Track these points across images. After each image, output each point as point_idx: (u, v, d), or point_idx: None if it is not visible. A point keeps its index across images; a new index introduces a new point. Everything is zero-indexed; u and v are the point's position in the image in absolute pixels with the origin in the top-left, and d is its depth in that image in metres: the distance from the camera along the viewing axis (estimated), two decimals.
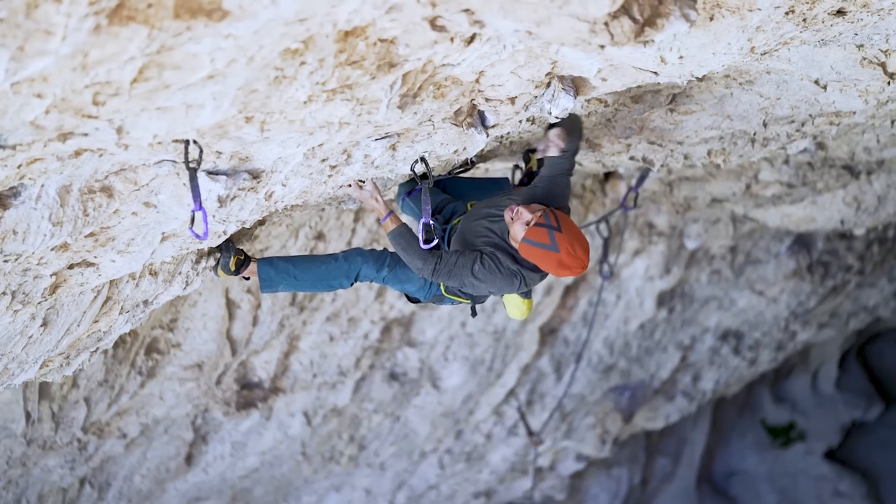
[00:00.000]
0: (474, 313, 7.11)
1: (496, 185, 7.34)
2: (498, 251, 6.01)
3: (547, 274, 6.12)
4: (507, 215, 5.88)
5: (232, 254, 6.61)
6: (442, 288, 6.61)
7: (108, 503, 12.49)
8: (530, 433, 16.93)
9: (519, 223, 5.79)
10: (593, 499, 23.37)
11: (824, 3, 4.66)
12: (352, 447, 15.84)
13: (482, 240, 6.12)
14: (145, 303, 6.64)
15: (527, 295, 6.82)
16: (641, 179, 10.49)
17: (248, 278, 6.78)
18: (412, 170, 5.83)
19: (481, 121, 5.50)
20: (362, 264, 6.58)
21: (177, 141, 4.09)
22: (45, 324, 5.75)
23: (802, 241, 17.88)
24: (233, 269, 6.63)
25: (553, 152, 6.20)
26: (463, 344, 15.01)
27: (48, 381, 8.85)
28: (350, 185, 6.25)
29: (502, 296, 6.77)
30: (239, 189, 4.93)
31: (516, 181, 6.97)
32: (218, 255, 6.66)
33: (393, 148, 5.40)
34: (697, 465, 26.37)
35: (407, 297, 6.96)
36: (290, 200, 5.61)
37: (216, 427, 12.83)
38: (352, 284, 6.66)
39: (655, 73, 5.01)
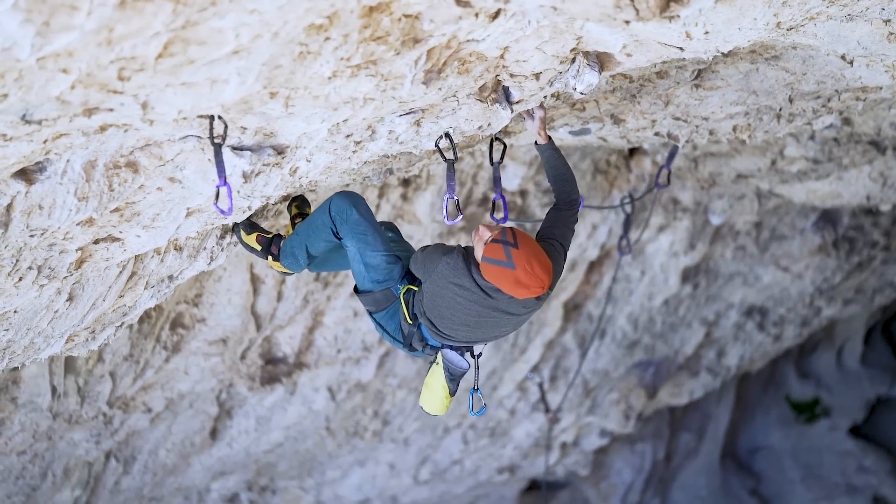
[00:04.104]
0: (407, 345, 6.58)
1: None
2: (461, 263, 5.80)
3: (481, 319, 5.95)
4: (473, 236, 5.77)
5: (241, 227, 6.62)
6: (402, 292, 6.34)
7: (134, 477, 12.57)
8: (547, 409, 16.96)
9: (479, 243, 5.66)
10: (617, 474, 23.39)
11: None
12: (376, 422, 15.88)
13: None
14: (170, 278, 6.67)
15: (452, 386, 6.49)
16: (671, 157, 10.43)
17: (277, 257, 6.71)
18: (436, 146, 5.83)
19: (506, 96, 5.49)
20: (338, 199, 6.26)
21: (202, 116, 4.11)
22: (70, 298, 5.78)
23: (828, 217, 17.81)
24: (259, 248, 6.64)
25: (529, 126, 6.17)
26: None
27: (74, 356, 8.90)
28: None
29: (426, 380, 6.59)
30: (263, 164, 4.94)
31: (496, 157, 6.78)
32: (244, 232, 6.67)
33: (417, 124, 5.40)
34: (721, 441, 26.36)
35: (356, 288, 6.59)
36: (314, 176, 5.62)
37: (241, 402, 12.89)
38: (334, 226, 6.29)
39: (681, 48, 4.99)
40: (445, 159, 5.97)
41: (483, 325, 6.05)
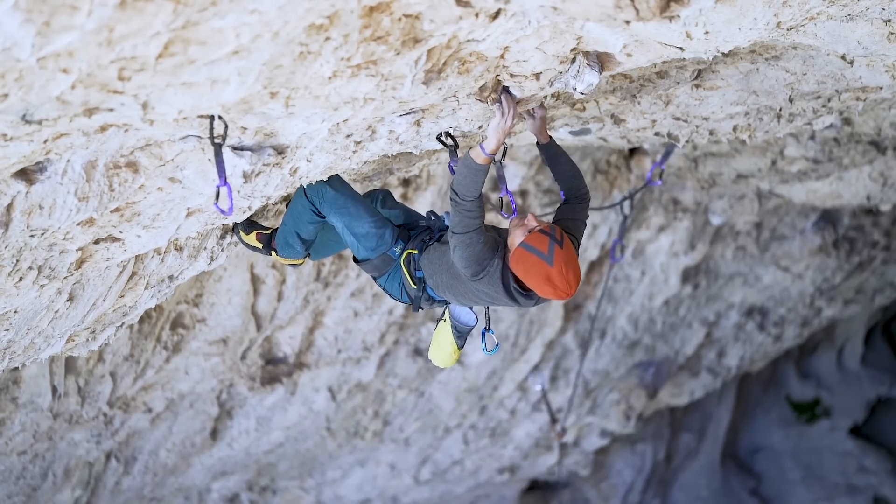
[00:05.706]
0: (416, 309, 6.64)
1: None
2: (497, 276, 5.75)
3: (498, 301, 5.89)
4: (513, 221, 5.70)
5: (241, 227, 6.63)
6: (402, 257, 6.32)
7: (134, 477, 12.57)
8: (554, 420, 16.94)
9: (522, 228, 5.58)
10: (617, 475, 23.42)
11: None
12: (376, 422, 15.89)
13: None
14: (170, 278, 6.67)
15: (460, 342, 6.60)
16: (666, 155, 10.44)
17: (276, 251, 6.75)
18: (439, 140, 5.83)
19: None
20: (316, 184, 6.16)
21: (202, 116, 4.10)
22: (70, 298, 5.78)
23: (828, 217, 17.82)
24: (261, 246, 6.65)
25: (529, 128, 6.16)
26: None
27: (74, 356, 8.90)
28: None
29: (441, 322, 6.66)
30: (264, 165, 4.94)
31: (498, 156, 6.75)
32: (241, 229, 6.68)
33: (417, 124, 5.40)
34: (722, 442, 26.40)
35: (354, 258, 6.60)
36: (315, 176, 5.62)
37: (241, 402, 12.89)
38: (314, 208, 6.25)
39: (681, 48, 4.99)
40: (446, 146, 5.95)
41: (499, 305, 6.11)
